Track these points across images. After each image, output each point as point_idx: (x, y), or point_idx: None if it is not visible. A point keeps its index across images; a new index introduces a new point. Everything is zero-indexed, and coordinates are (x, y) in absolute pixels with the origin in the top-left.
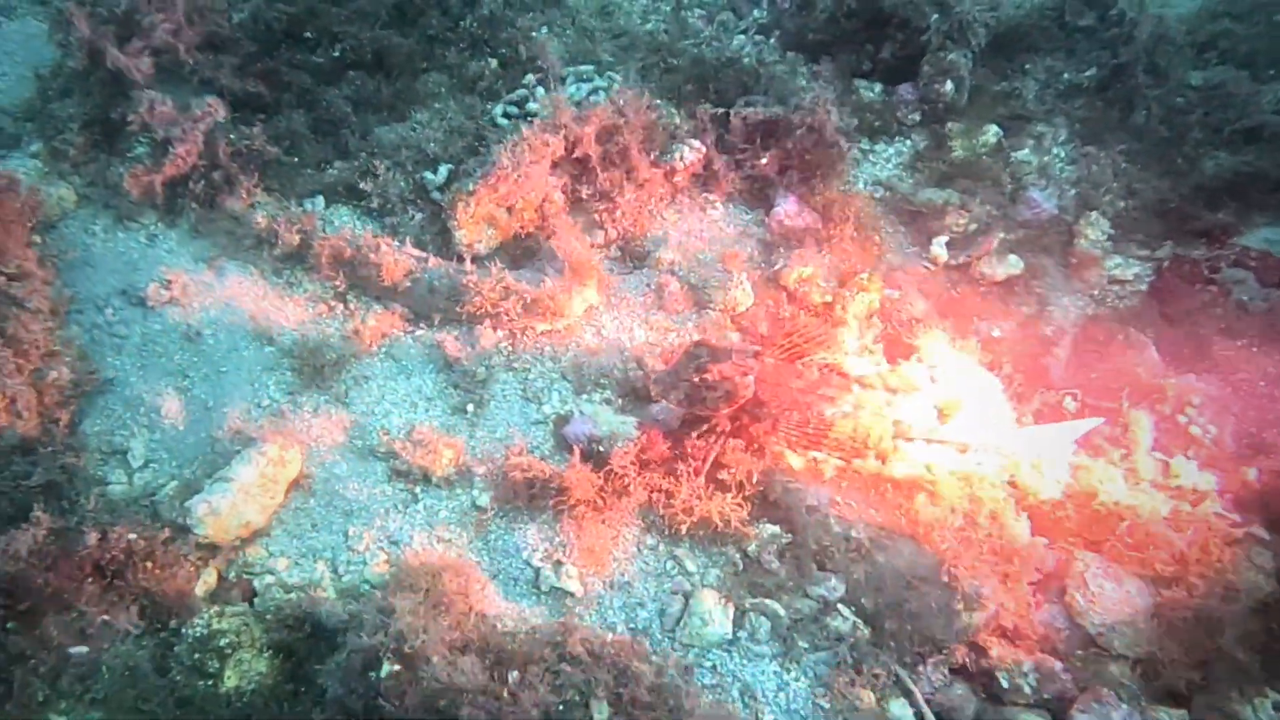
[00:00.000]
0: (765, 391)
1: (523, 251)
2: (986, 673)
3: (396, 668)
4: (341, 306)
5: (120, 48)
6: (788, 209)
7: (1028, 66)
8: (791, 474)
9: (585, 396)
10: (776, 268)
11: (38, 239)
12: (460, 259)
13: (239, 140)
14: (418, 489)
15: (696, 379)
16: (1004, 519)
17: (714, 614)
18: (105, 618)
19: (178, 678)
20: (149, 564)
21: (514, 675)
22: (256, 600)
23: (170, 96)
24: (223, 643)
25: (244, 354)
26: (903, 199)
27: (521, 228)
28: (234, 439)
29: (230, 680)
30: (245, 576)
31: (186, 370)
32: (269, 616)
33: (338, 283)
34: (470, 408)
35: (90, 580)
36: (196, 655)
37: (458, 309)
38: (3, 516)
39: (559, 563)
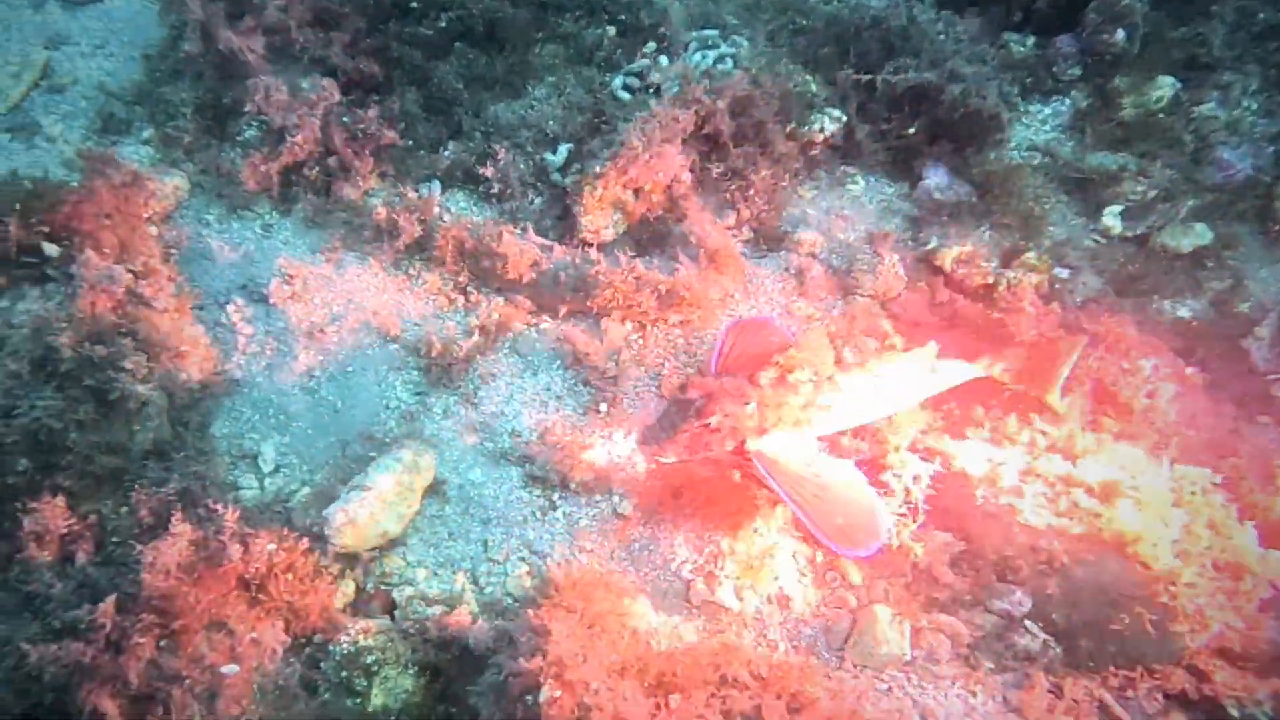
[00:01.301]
0: (767, 411)
1: (650, 237)
2: (1211, 701)
3: (558, 694)
4: (462, 299)
5: (231, 27)
6: (938, 181)
7: (1214, 7)
8: (966, 479)
9: None
10: (929, 247)
11: (153, 230)
12: (586, 246)
13: (353, 124)
14: (555, 495)
15: (698, 426)
16: (1226, 529)
17: (888, 631)
18: (254, 634)
19: (326, 695)
20: (289, 576)
21: (676, 700)
22: (396, 613)
23: (282, 78)
24: (369, 660)
25: (369, 352)
26: (1066, 165)
27: (648, 211)
28: (365, 443)
29: (378, 699)
30: (383, 588)
31: (313, 370)
32: (413, 633)
33: (459, 275)
34: (603, 407)
35: (235, 594)
36: (344, 673)
37: (586, 301)
38: (143, 528)
39: (712, 575)
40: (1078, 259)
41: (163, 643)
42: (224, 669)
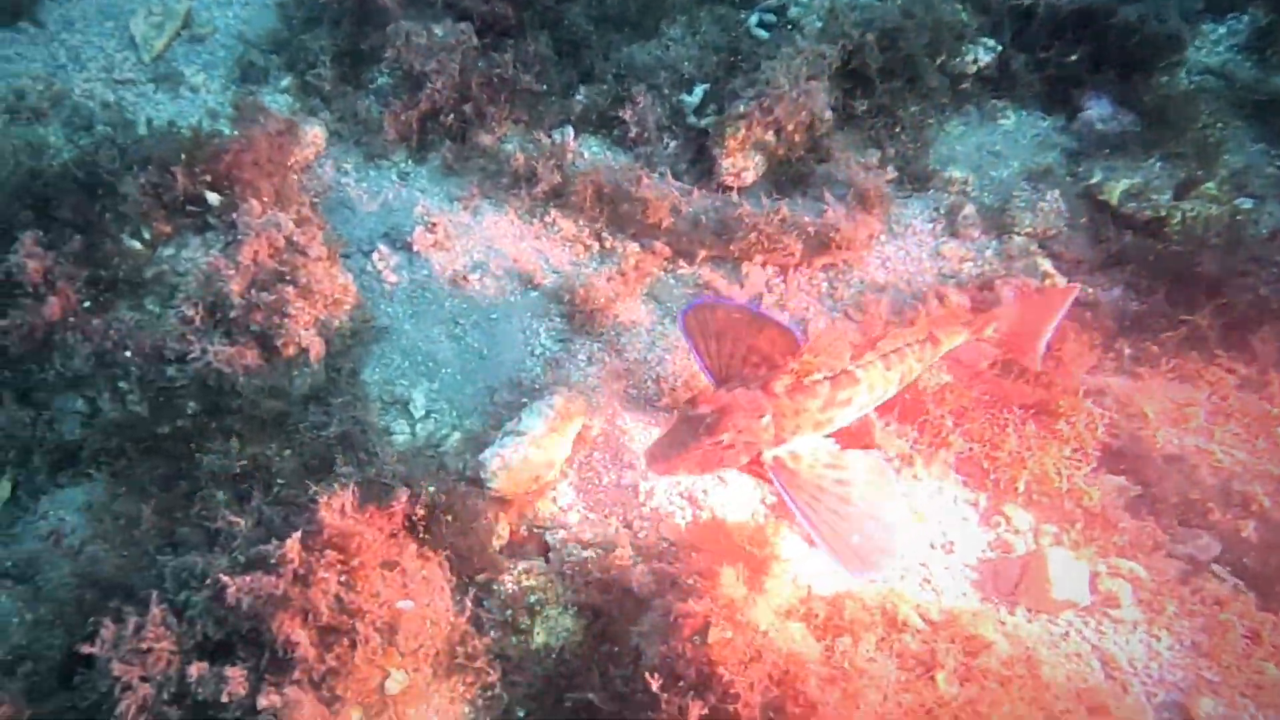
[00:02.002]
0: (784, 421)
1: (791, 179)
2: None
3: (728, 634)
4: (598, 246)
5: None
6: (1101, 111)
7: None
8: (1144, 421)
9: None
10: (1093, 181)
11: (293, 179)
12: (725, 189)
13: (489, 68)
14: None
15: (710, 444)
16: None
17: (1064, 575)
18: (424, 573)
19: (493, 633)
20: (449, 518)
21: (845, 643)
22: (551, 555)
23: (414, 23)
24: (532, 600)
25: (512, 300)
26: (1246, 89)
27: (789, 152)
28: (513, 389)
29: (540, 637)
30: (536, 531)
31: (458, 317)
32: (572, 575)
33: (596, 221)
34: None
35: (404, 535)
36: (508, 612)
37: (727, 245)
38: (308, 469)
39: None
40: (1261, 188)
41: (342, 579)
42: (400, 604)
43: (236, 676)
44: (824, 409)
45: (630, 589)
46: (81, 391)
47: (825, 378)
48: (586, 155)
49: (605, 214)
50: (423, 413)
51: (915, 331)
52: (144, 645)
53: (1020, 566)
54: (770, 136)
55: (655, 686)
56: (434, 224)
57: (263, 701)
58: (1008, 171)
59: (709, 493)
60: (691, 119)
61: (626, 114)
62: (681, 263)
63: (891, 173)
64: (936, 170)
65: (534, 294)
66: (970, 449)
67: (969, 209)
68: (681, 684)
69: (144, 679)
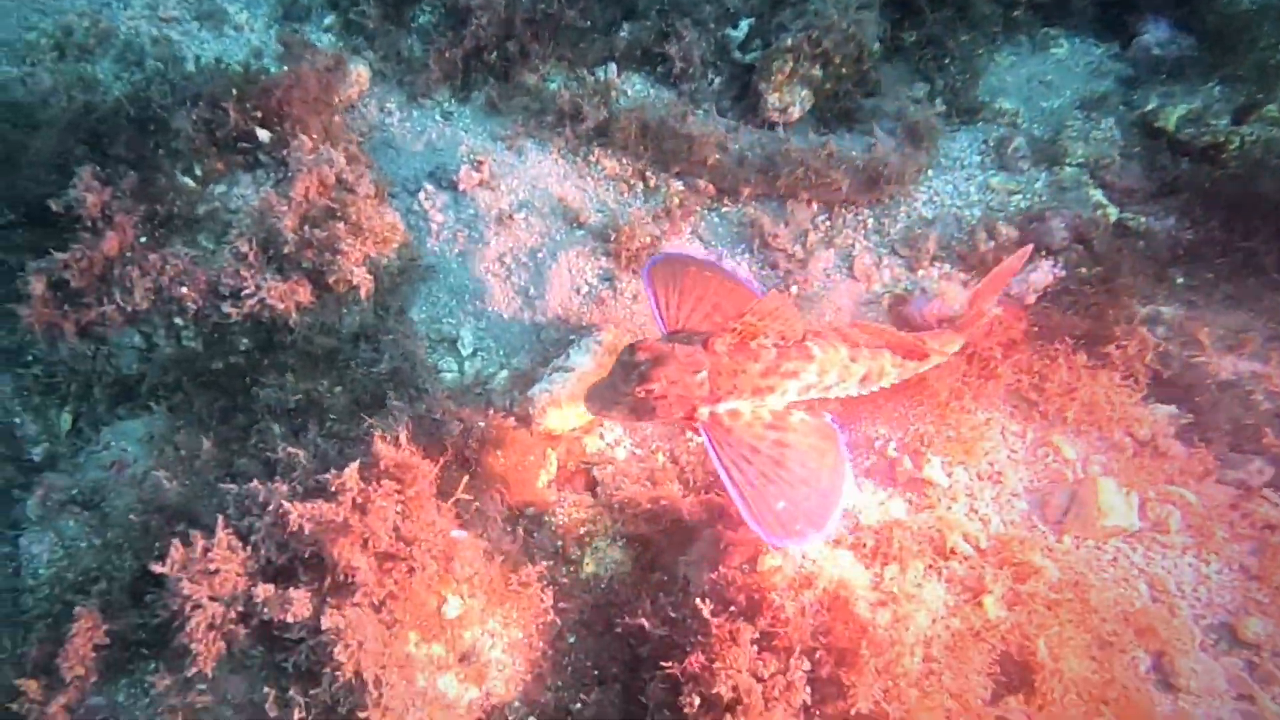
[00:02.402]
0: (722, 384)
1: (836, 114)
2: None
3: (777, 562)
4: (642, 184)
5: None
6: (1159, 35)
7: None
8: (1198, 347)
9: (922, 272)
10: (1149, 108)
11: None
12: (771, 125)
13: (533, 5)
14: None
15: (641, 391)
16: None
17: (1114, 502)
18: (477, 504)
19: (544, 562)
20: (499, 452)
21: (893, 570)
22: (599, 489)
23: None
24: (581, 531)
25: (557, 238)
26: None
27: (836, 86)
28: (559, 327)
29: (589, 567)
30: (584, 466)
31: (503, 256)
32: (620, 508)
33: (639, 159)
34: (793, 288)
35: (456, 468)
36: (559, 543)
37: (773, 182)
38: (360, 404)
39: (918, 451)
40: None
41: (399, 508)
42: (454, 534)
43: (301, 598)
44: (765, 375)
45: (678, 520)
46: (138, 327)
47: (774, 344)
48: (629, 92)
49: (649, 152)
50: (470, 350)
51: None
52: (212, 566)
53: (1069, 494)
54: (817, 70)
55: (706, 612)
56: (480, 163)
57: (326, 622)
58: (1059, 101)
59: None
60: (736, 54)
61: (671, 49)
62: (726, 200)
63: (940, 105)
64: (986, 102)
65: (579, 232)
66: (1019, 380)
67: (1019, 140)
68: (732, 609)
69: (212, 598)
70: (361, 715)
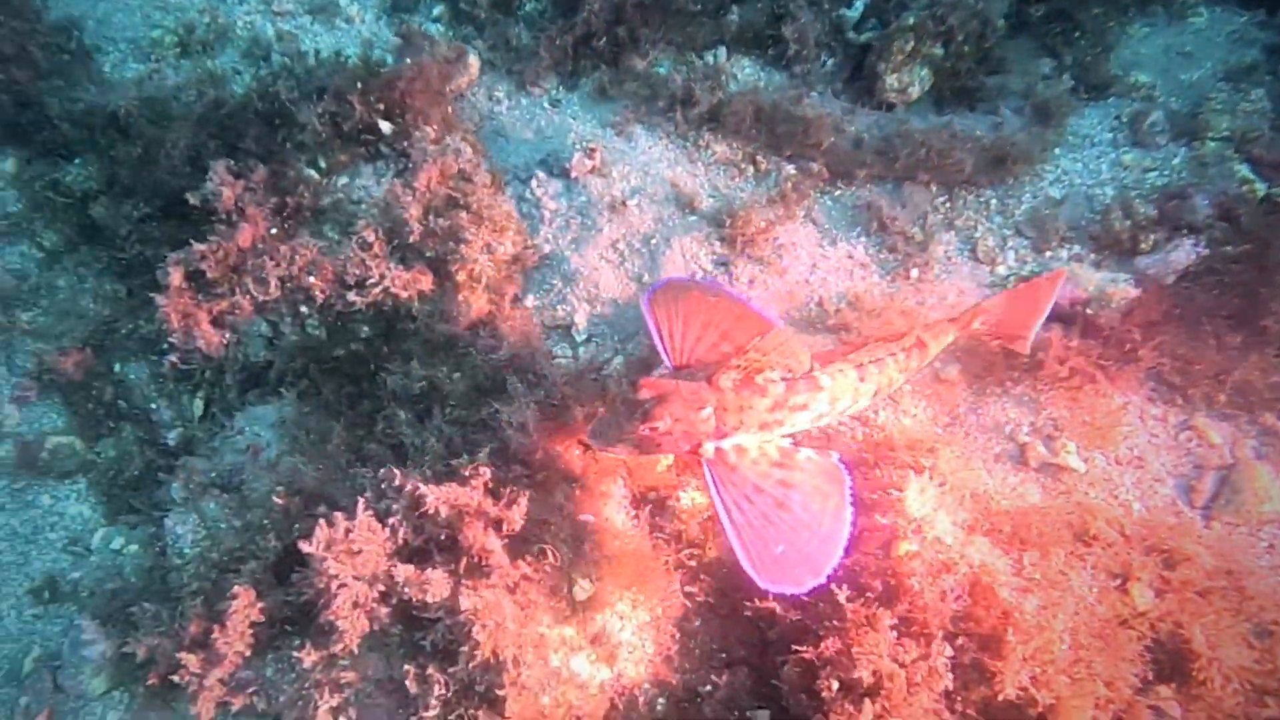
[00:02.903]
0: (728, 420)
1: (955, 92)
2: None
3: (914, 548)
4: (753, 169)
5: None
6: None
7: None
8: None
9: (1050, 254)
10: None
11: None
12: (889, 106)
13: None
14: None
15: (645, 429)
16: None
17: (1272, 488)
18: (602, 487)
19: (669, 546)
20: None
21: (1033, 556)
22: None
23: None
24: (707, 516)
25: (670, 224)
26: None
27: (956, 65)
28: None
29: (712, 552)
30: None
31: (616, 243)
32: None
33: (751, 143)
34: (914, 273)
35: (580, 452)
36: (683, 528)
37: (891, 164)
38: (480, 390)
39: (1052, 436)
40: None
41: (529, 492)
42: (582, 517)
43: (439, 579)
44: (773, 409)
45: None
46: (266, 316)
47: (782, 378)
48: (739, 76)
49: (761, 135)
50: (584, 337)
51: (900, 340)
52: (354, 547)
53: (1219, 480)
54: (938, 49)
55: (842, 597)
56: (592, 150)
57: (465, 603)
58: (1199, 73)
59: (878, 413)
60: (851, 34)
61: (786, 30)
62: (839, 183)
63: (1068, 81)
64: (1118, 76)
65: (692, 218)
66: (1161, 362)
67: (1155, 115)
68: (868, 595)
69: (356, 578)
70: (500, 693)
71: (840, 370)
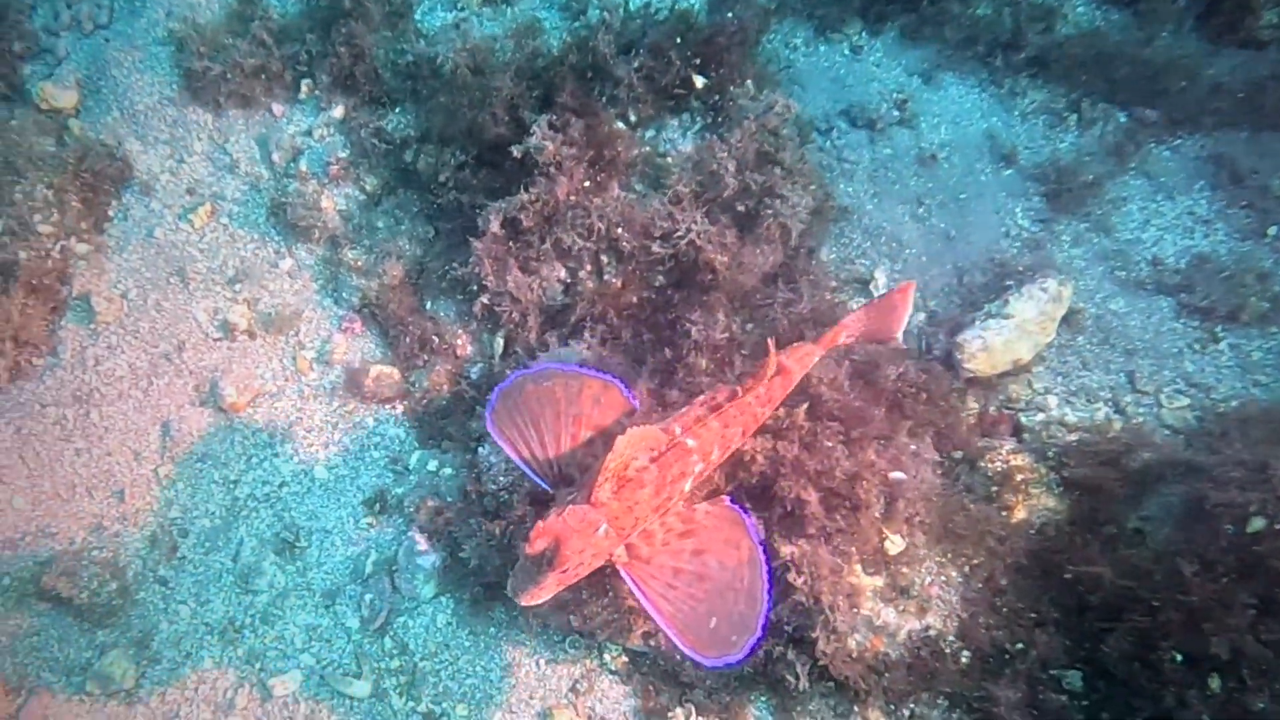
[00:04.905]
0: (622, 521)
1: None
2: None
3: (1261, 524)
4: (1075, 117)
5: None
6: None
7: None
8: None
9: None
10: None
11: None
12: (1258, 45)
13: None
14: (1218, 328)
15: (559, 573)
16: None
17: None
18: (913, 447)
19: (977, 506)
20: (924, 395)
21: None
22: (1027, 436)
23: None
24: (1018, 479)
25: (982, 178)
26: None
27: None
28: (987, 271)
29: (1020, 513)
30: (1007, 412)
31: (922, 197)
32: (1056, 456)
33: (1076, 89)
34: (1271, 230)
35: (892, 411)
36: (994, 488)
37: (1260, 111)
38: (783, 341)
39: None
40: None
41: (844, 448)
42: (893, 475)
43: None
44: (656, 493)
45: (1125, 473)
46: (566, 263)
47: (649, 460)
48: (1070, 17)
49: (1094, 81)
50: (883, 292)
51: (758, 375)
52: None
53: None
54: None
55: (1188, 571)
56: (903, 101)
57: (786, 550)
58: None
59: (1220, 385)
60: None
61: None
62: (1180, 131)
63: None
64: None
65: (1008, 172)
66: None
67: None
68: (1218, 570)
69: None
70: (812, 635)
71: (700, 422)
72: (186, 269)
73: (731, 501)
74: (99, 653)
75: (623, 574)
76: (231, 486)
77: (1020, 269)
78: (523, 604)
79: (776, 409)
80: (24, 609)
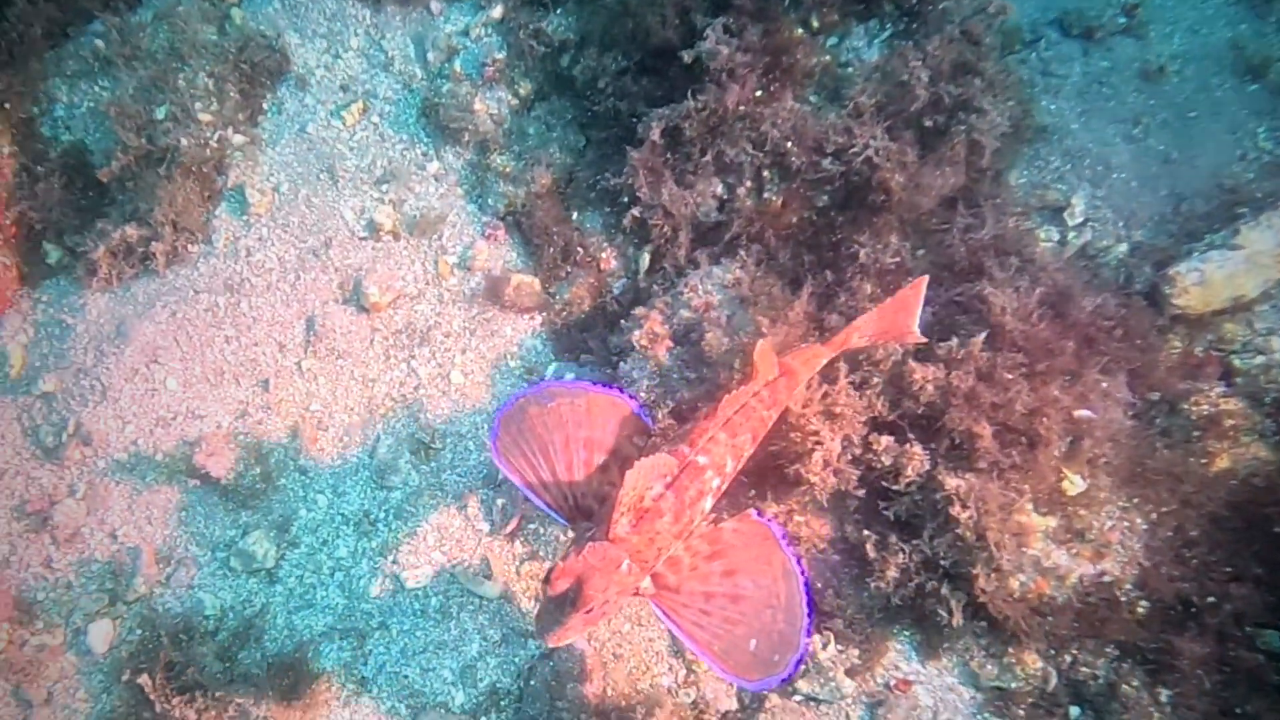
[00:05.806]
0: (645, 554)
1: None
2: None
3: None
4: None
5: None
6: None
7: None
8: None
9: None
10: None
11: None
12: None
13: None
14: None
15: (584, 613)
16: None
17: None
18: (1104, 384)
19: (1172, 452)
20: (1121, 330)
21: None
22: (1240, 379)
23: None
24: (1227, 424)
25: (1218, 94)
26: None
27: None
28: (1208, 199)
29: (1223, 462)
30: (1215, 352)
31: (1140, 115)
32: (1272, 401)
33: None
34: None
35: (1078, 346)
36: (1195, 433)
37: None
38: (953, 274)
39: None
40: None
41: (1025, 382)
42: (1079, 413)
43: (918, 454)
44: (677, 519)
45: None
46: (724, 178)
47: (664, 487)
48: None
49: None
50: (1079, 220)
51: (758, 381)
52: (835, 409)
53: None
54: None
55: None
56: (1134, 6)
57: (951, 483)
58: None
59: None
60: None
61: None
62: None
63: None
64: None
65: (1253, 87)
66: None
67: None
68: None
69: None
70: (972, 572)
71: (708, 437)
72: (336, 166)
73: (757, 514)
74: (242, 532)
75: (653, 606)
76: (370, 385)
77: (1258, 195)
78: (549, 646)
79: (781, 408)
80: (175, 484)
